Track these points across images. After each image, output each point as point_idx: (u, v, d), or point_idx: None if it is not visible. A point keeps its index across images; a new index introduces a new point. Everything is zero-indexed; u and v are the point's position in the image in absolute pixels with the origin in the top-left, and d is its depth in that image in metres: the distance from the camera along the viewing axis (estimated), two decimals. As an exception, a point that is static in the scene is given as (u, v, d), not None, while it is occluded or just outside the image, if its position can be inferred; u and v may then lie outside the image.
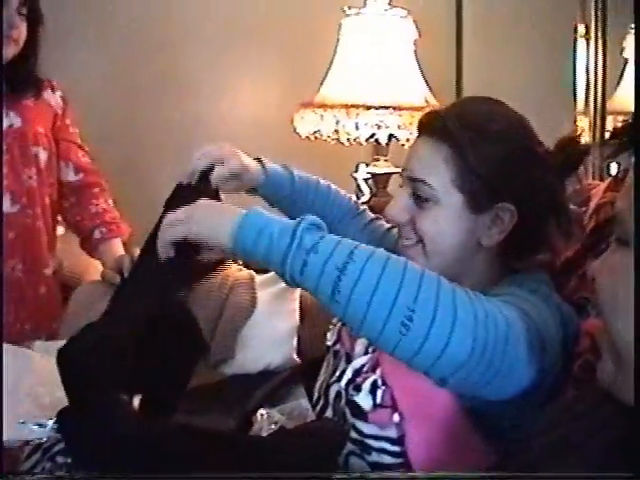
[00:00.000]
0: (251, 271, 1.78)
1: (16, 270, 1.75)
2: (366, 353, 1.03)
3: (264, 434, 1.12)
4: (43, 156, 1.78)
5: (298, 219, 0.90)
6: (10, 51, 1.65)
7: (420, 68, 2.22)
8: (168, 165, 2.54)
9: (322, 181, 1.39)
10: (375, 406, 0.98)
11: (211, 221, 0.94)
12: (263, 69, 2.60)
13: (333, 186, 1.40)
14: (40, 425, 1.09)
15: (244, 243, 0.91)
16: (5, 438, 1.07)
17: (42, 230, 1.79)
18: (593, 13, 2.20)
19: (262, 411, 1.18)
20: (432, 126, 1.11)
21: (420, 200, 1.09)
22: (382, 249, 0.89)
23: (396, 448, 0.96)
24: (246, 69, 2.59)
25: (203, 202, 0.99)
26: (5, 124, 1.71)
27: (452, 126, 1.07)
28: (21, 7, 1.65)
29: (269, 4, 2.54)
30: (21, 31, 1.66)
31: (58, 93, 1.85)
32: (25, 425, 1.10)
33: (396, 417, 0.97)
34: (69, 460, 1.00)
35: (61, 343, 1.03)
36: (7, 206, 1.71)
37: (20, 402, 1.20)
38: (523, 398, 0.96)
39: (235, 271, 1.76)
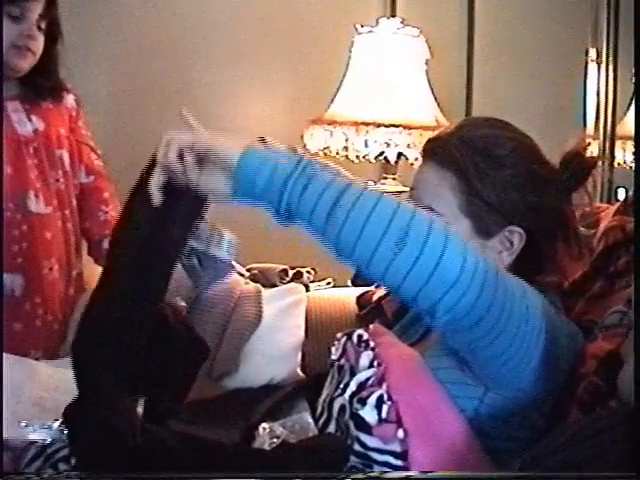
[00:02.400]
0: (258, 285, 1.78)
1: (54, 271, 1.74)
2: (371, 366, 1.03)
3: (266, 448, 1.12)
4: (66, 158, 1.79)
5: None
6: (27, 62, 1.66)
7: (431, 87, 2.23)
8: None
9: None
10: (380, 421, 0.97)
11: (223, 138, 0.96)
12: (274, 85, 2.61)
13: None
14: (44, 427, 1.09)
15: (249, 163, 0.93)
16: (8, 437, 1.07)
17: (71, 232, 1.79)
18: (605, 37, 2.21)
19: (264, 425, 1.17)
20: (436, 152, 1.12)
21: None
22: None
23: (400, 462, 0.96)
24: (256, 84, 2.60)
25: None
26: (29, 129, 1.73)
27: (456, 153, 1.08)
28: (41, 20, 1.66)
29: (282, 21, 2.55)
30: (39, 43, 1.67)
31: (71, 95, 1.85)
32: (29, 427, 1.10)
33: (400, 433, 0.96)
34: (71, 467, 1.00)
35: (66, 361, 1.04)
36: (41, 207, 1.71)
37: (22, 405, 1.20)
38: (525, 406, 0.96)
39: (242, 284, 1.76)
